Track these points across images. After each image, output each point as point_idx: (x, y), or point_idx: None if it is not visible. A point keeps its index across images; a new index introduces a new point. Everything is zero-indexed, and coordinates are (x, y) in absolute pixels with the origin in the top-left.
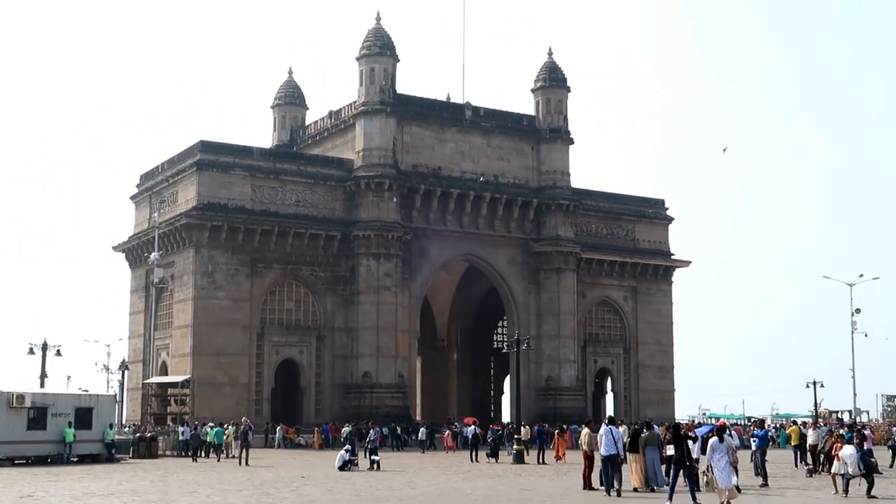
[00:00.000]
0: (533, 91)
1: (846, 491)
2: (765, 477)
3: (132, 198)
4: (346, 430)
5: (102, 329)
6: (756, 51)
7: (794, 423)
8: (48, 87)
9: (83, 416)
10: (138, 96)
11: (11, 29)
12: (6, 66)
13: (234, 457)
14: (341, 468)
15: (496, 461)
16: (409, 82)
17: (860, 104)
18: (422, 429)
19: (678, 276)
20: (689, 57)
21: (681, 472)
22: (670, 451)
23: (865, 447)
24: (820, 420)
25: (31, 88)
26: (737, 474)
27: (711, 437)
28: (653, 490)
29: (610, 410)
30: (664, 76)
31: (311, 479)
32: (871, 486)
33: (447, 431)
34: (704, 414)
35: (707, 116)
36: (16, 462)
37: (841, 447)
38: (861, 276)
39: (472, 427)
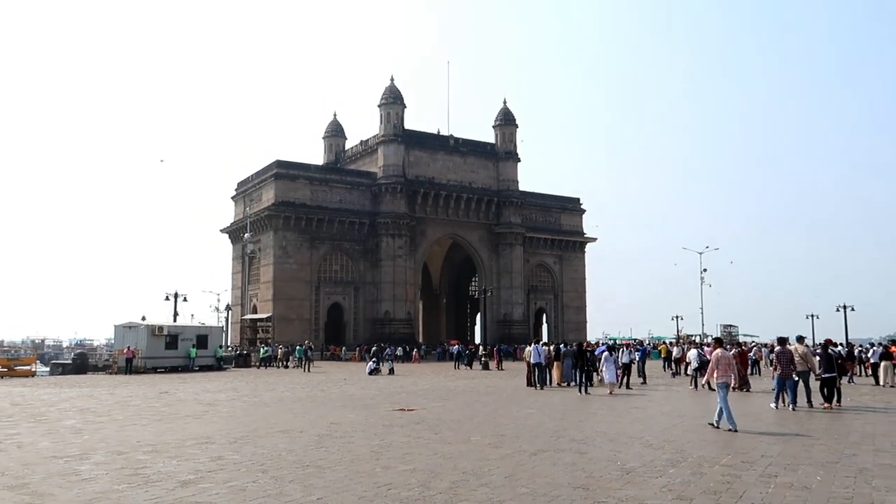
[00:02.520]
0: (493, 127)
1: (694, 383)
2: (644, 378)
3: (232, 198)
4: (372, 349)
5: (214, 283)
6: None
7: (664, 342)
8: (197, 123)
9: (201, 340)
10: (238, 131)
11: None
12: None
13: (296, 367)
14: (370, 373)
15: (470, 368)
16: (413, 120)
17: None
18: (398, 348)
19: (589, 247)
20: (599, 99)
21: (583, 374)
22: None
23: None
24: (680, 340)
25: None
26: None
27: (605, 352)
28: (568, 385)
29: (545, 335)
30: (585, 110)
31: (349, 381)
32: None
33: (415, 351)
34: (606, 336)
35: (610, 139)
36: (157, 370)
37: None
38: (707, 247)
39: (456, 346)
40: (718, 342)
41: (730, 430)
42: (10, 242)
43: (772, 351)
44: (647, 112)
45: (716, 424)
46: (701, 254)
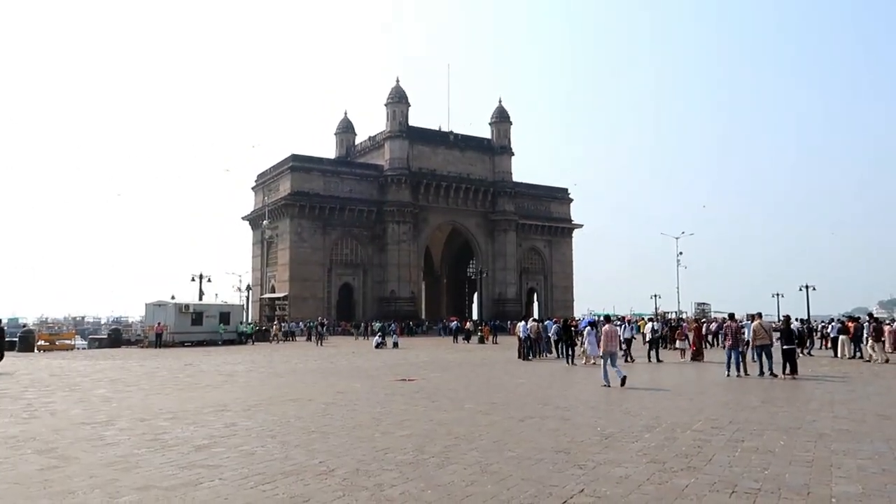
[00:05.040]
0: (490, 123)
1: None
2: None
3: (252, 188)
4: (377, 325)
5: (236, 265)
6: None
7: (642, 318)
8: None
9: (225, 317)
10: (258, 127)
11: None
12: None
13: (309, 340)
14: (376, 347)
15: (468, 342)
16: (416, 118)
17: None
18: (391, 325)
19: (577, 233)
20: (588, 94)
21: (568, 347)
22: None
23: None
24: (658, 317)
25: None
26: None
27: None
28: (556, 357)
29: (536, 313)
30: (574, 105)
31: (357, 354)
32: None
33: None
34: (591, 313)
35: (599, 134)
36: (185, 344)
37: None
38: (683, 232)
39: (455, 322)
40: (607, 319)
41: (605, 385)
42: (56, 229)
43: (720, 326)
44: (628, 108)
45: (607, 384)
46: (677, 238)
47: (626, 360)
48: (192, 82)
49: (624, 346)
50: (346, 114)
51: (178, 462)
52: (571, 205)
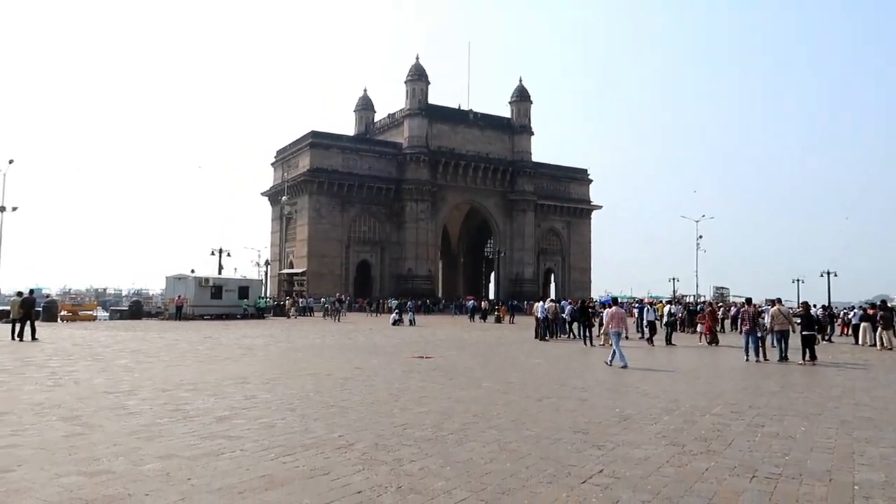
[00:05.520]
0: (510, 103)
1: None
2: (643, 333)
3: (272, 164)
4: (395, 302)
5: (255, 241)
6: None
7: (660, 301)
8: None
9: (243, 291)
10: (278, 104)
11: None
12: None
13: (326, 316)
14: (393, 324)
15: (484, 322)
16: (436, 96)
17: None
18: (406, 302)
19: (595, 214)
20: (608, 75)
21: (586, 328)
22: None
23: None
24: (676, 300)
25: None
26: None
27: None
28: (571, 337)
29: (553, 293)
30: (594, 86)
31: (374, 330)
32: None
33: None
34: (608, 295)
35: (619, 113)
36: (204, 317)
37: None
38: (703, 216)
39: (472, 301)
40: (613, 301)
41: (623, 366)
42: (80, 203)
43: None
44: (649, 89)
45: (609, 363)
46: (697, 222)
47: (649, 343)
48: (214, 59)
49: (647, 330)
50: (365, 91)
51: (200, 432)
52: (591, 185)
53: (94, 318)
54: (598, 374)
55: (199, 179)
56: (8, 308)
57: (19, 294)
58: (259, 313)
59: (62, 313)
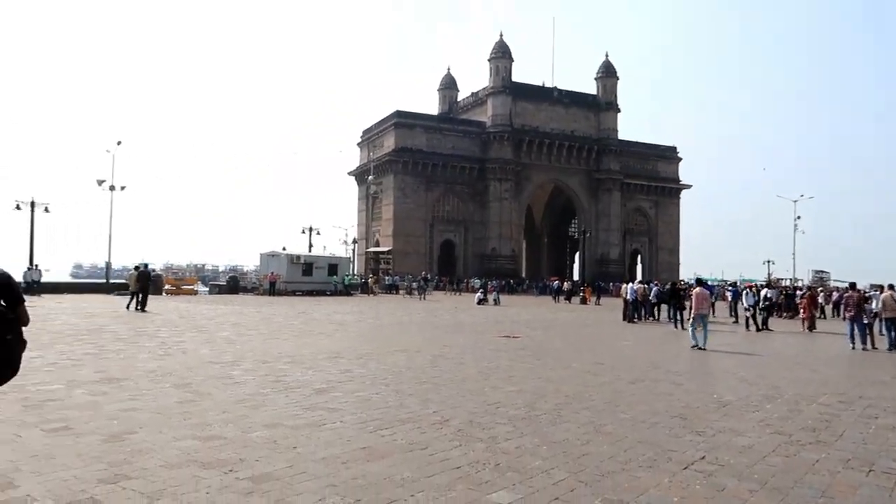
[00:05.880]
0: (595, 79)
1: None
2: (736, 317)
3: (358, 144)
4: (478, 281)
5: (343, 219)
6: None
7: (754, 284)
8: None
9: (332, 269)
10: (366, 85)
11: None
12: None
13: (411, 295)
14: (478, 303)
15: (569, 303)
16: (519, 73)
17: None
18: (491, 283)
19: (685, 193)
20: (697, 50)
21: (676, 311)
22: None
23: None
24: (770, 283)
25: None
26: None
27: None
28: (657, 320)
29: (639, 274)
30: (682, 61)
31: (459, 309)
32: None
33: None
34: (697, 277)
35: (709, 90)
36: (296, 293)
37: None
38: (802, 195)
39: (556, 282)
40: (699, 282)
41: (693, 346)
42: (181, 183)
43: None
44: (742, 62)
45: (700, 346)
46: (795, 202)
47: (747, 329)
48: (308, 45)
49: (748, 314)
50: (449, 70)
51: (301, 403)
52: (680, 164)
53: (194, 293)
54: (692, 357)
55: (291, 160)
56: (124, 281)
57: (136, 268)
58: (346, 290)
59: (166, 287)
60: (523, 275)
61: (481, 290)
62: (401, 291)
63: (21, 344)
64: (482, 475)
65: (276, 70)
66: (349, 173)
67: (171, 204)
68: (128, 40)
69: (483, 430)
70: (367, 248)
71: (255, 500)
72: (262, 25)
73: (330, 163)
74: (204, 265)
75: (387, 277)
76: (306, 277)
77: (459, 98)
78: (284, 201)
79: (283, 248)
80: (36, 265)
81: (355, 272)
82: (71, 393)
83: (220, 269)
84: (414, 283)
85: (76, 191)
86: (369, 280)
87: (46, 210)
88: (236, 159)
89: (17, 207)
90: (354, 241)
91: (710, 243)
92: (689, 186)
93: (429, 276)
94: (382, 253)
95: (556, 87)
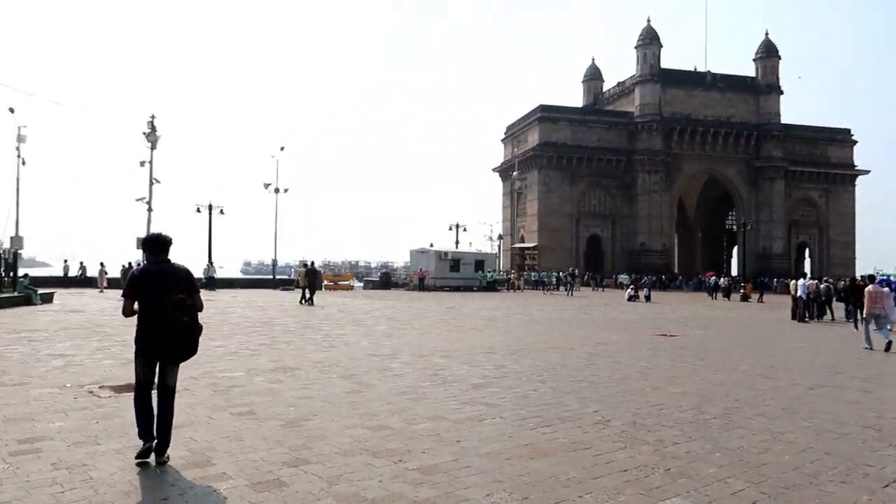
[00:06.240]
0: (754, 60)
1: None
2: None
3: (502, 140)
4: (626, 277)
5: (487, 216)
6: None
7: None
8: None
9: (479, 265)
10: (510, 80)
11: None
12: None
13: (552, 291)
14: (628, 300)
15: (728, 300)
16: (669, 59)
17: None
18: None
19: (861, 180)
20: (866, 23)
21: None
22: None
23: None
24: None
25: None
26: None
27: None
28: (832, 320)
29: (808, 270)
30: (851, 36)
31: (609, 305)
32: None
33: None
34: (878, 272)
35: (882, 70)
36: (444, 289)
37: None
38: None
39: (713, 277)
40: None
41: (866, 348)
42: (334, 185)
43: None
44: None
45: (873, 348)
46: None
47: None
48: (455, 45)
49: None
50: (593, 60)
51: (460, 398)
52: (855, 148)
53: (350, 288)
54: (882, 362)
55: (437, 159)
56: (288, 277)
57: (304, 266)
58: (492, 286)
59: (325, 283)
60: (675, 270)
61: (631, 287)
62: (547, 288)
63: (198, 327)
64: (652, 480)
65: (422, 71)
66: (493, 169)
67: (326, 204)
68: (287, 65)
69: (648, 433)
70: (513, 243)
71: (424, 491)
72: (408, 27)
73: (475, 160)
74: (357, 262)
75: (532, 273)
76: (454, 273)
77: (605, 89)
78: (431, 199)
79: (431, 245)
80: (211, 263)
81: (501, 268)
82: (252, 380)
83: (372, 265)
84: (559, 278)
85: (246, 194)
86: (511, 276)
87: (221, 212)
88: (382, 157)
89: (198, 210)
90: (500, 237)
91: (894, 236)
92: (865, 172)
93: (576, 271)
94: (528, 248)
95: (709, 72)
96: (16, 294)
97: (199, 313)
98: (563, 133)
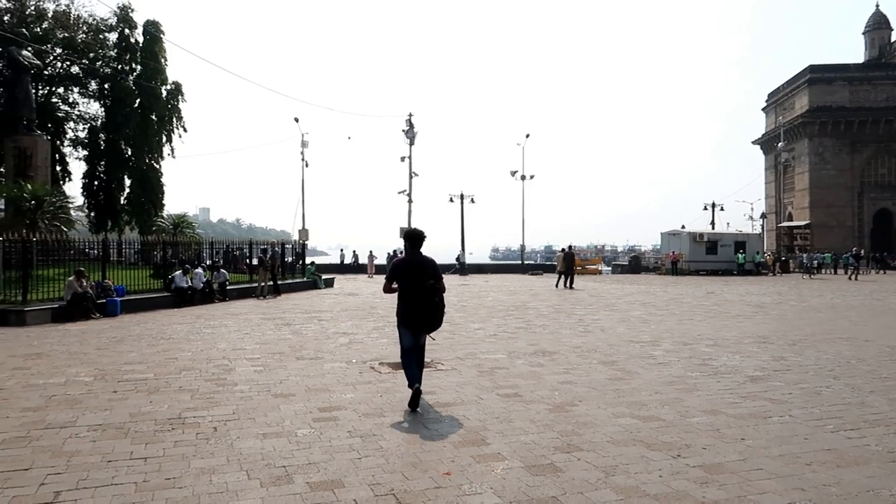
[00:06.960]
0: None
1: None
2: None
3: (763, 109)
4: None
5: (747, 194)
6: None
7: None
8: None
9: (740, 246)
10: (771, 46)
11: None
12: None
13: (811, 275)
14: None
15: None
16: None
17: None
18: None
19: None
20: None
21: None
22: None
23: None
24: None
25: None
26: None
27: None
28: None
29: None
30: None
31: None
32: None
33: None
34: None
35: None
36: (699, 273)
37: None
38: None
39: None
40: None
41: None
42: (580, 170)
43: None
44: None
45: None
46: None
47: None
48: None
49: None
50: (877, 6)
51: (736, 391)
52: None
53: (599, 272)
54: None
55: (689, 135)
56: (544, 262)
57: (562, 250)
58: (756, 269)
59: (576, 268)
60: None
61: None
62: (800, 271)
63: (443, 306)
64: None
65: (671, 41)
66: (753, 142)
67: (571, 189)
68: (533, 54)
69: None
70: (779, 222)
71: (712, 492)
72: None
73: (732, 132)
74: (603, 245)
75: (803, 255)
76: (710, 256)
77: (893, 38)
78: (681, 179)
79: (682, 227)
80: (463, 248)
81: (765, 249)
82: (513, 363)
83: (619, 249)
84: (839, 259)
85: (494, 182)
86: (766, 257)
87: (472, 201)
88: (631, 137)
89: (451, 200)
90: (763, 216)
91: None
92: None
93: (859, 252)
94: (798, 227)
95: None
96: (305, 279)
97: (443, 294)
98: (838, 95)
